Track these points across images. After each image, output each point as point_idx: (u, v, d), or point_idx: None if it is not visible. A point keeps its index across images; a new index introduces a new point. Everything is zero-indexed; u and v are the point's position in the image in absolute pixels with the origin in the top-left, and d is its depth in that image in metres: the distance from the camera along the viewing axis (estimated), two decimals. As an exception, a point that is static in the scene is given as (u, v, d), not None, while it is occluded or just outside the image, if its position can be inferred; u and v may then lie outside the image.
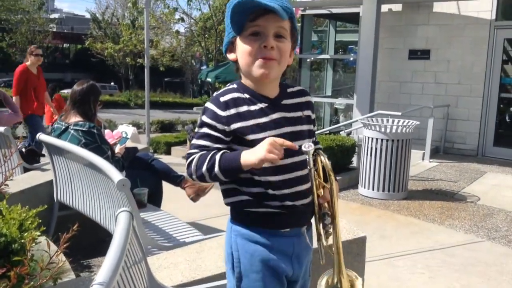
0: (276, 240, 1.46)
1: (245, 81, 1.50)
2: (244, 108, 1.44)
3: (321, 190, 1.48)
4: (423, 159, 7.99)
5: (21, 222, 1.86)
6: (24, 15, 27.57)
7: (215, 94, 1.51)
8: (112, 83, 33.34)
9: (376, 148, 5.58)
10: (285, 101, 1.51)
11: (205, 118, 1.45)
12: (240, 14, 1.38)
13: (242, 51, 1.43)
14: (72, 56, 43.26)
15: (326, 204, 1.48)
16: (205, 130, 1.44)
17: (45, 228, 2.00)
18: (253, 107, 1.45)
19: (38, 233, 1.85)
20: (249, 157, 1.33)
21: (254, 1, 1.33)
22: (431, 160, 7.99)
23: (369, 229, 4.55)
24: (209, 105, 1.47)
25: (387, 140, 5.50)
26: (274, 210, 1.45)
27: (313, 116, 1.61)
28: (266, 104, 1.47)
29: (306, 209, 1.50)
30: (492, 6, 8.30)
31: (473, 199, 5.75)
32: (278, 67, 1.44)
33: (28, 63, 6.48)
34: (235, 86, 1.50)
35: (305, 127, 1.53)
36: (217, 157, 1.38)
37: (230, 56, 1.51)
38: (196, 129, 1.49)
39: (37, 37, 28.75)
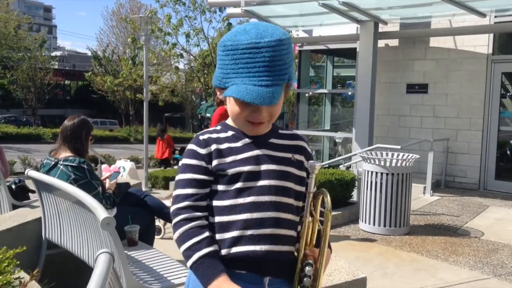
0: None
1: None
2: (225, 146, 1.39)
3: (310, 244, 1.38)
4: (424, 193, 7.87)
5: (-3, 263, 1.75)
6: (25, 53, 27.93)
7: (196, 134, 1.46)
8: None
9: (376, 182, 5.47)
10: (272, 140, 1.43)
11: (187, 160, 1.39)
12: None
13: (231, 109, 1.39)
14: (73, 92, 43.69)
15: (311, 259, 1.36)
16: (190, 175, 1.37)
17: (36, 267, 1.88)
18: (234, 144, 1.39)
19: (15, 276, 1.73)
20: None
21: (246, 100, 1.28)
22: (432, 194, 7.87)
23: (371, 266, 4.41)
24: (189, 145, 1.41)
25: (387, 174, 5.40)
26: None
27: None
28: (251, 140, 1.40)
29: (272, 257, 1.35)
30: (488, 41, 8.37)
31: (477, 234, 5.60)
32: (269, 123, 1.41)
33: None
34: (218, 127, 1.45)
35: (294, 171, 1.42)
36: (197, 255, 1.29)
37: (220, 94, 1.40)
38: (179, 174, 1.40)
39: (38, 74, 29.05)
